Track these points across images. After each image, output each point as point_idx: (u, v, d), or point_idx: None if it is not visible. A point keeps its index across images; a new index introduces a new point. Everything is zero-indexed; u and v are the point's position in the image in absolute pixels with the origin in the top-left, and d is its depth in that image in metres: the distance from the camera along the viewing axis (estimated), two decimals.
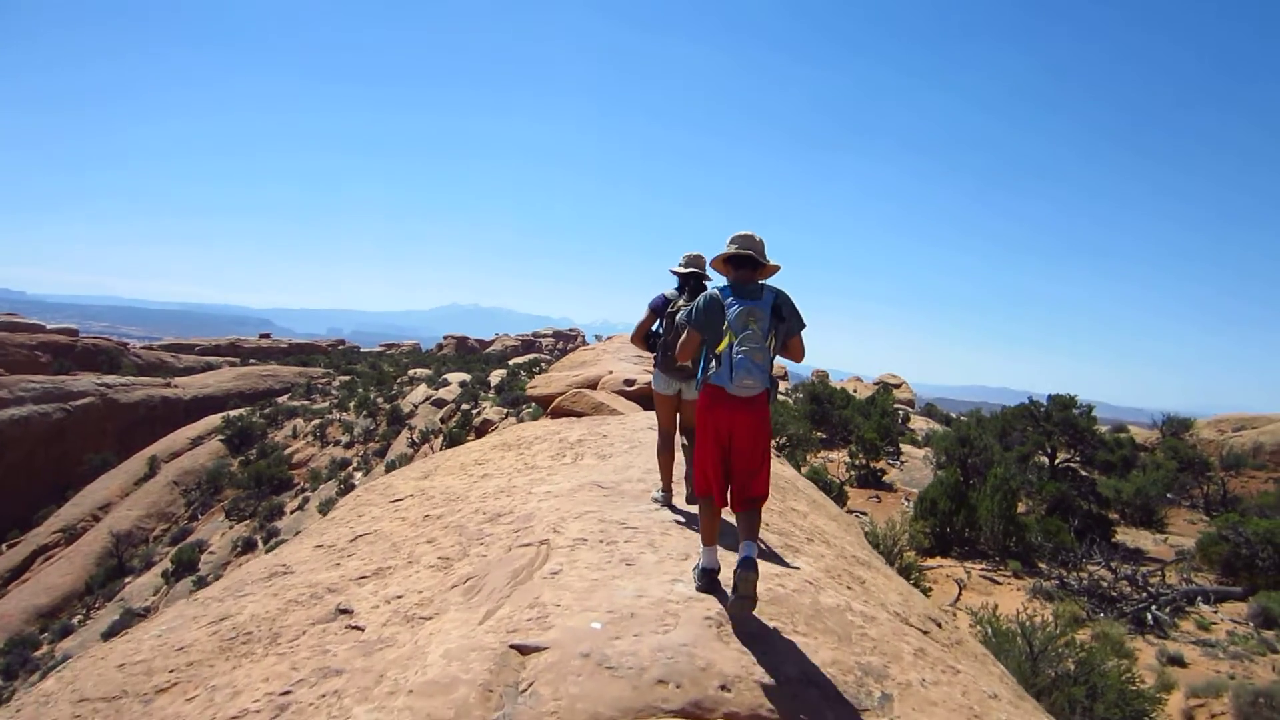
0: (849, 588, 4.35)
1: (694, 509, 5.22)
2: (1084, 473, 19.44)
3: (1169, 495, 20.79)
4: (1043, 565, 14.99)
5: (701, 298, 4.03)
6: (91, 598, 33.39)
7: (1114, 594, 12.78)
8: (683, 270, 5.55)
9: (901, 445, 27.84)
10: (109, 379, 52.94)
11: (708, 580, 3.88)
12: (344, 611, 3.95)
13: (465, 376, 53.07)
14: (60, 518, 40.61)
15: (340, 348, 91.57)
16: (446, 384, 50.79)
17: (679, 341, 4.28)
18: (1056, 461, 19.86)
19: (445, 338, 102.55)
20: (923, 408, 50.69)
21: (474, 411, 41.34)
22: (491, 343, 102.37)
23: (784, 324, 3.96)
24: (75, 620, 31.86)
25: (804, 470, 20.17)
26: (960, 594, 12.89)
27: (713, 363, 3.87)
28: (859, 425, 28.61)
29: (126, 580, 34.16)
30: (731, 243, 4.09)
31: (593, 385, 11.36)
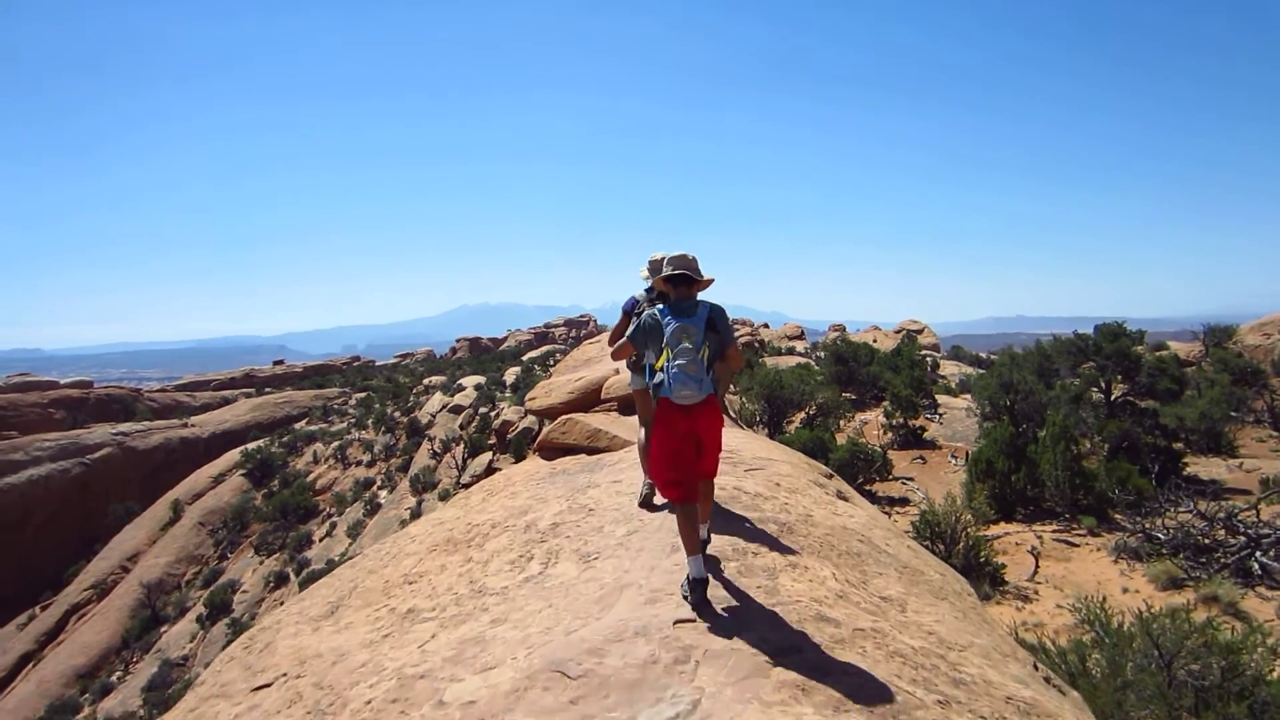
0: None
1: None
2: (1142, 405, 17.87)
3: (1233, 414, 19.27)
4: (1119, 517, 13.58)
5: (644, 317, 4.44)
6: (129, 652, 32.80)
7: (1207, 541, 11.38)
8: (647, 275, 5.89)
9: (936, 395, 26.47)
10: (124, 427, 52.35)
11: (699, 592, 3.95)
12: None
13: (480, 379, 52.02)
14: (90, 573, 40.08)
15: (355, 364, 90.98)
16: (461, 389, 49.77)
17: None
18: (1113, 397, 18.32)
19: (458, 340, 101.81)
20: (949, 351, 49.22)
21: (492, 414, 40.31)
22: (504, 340, 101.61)
23: (717, 335, 4.35)
24: (115, 677, 31.27)
25: (841, 441, 18.76)
26: (1037, 565, 11.53)
27: (659, 376, 4.28)
28: (889, 381, 27.24)
29: (163, 630, 33.51)
30: (668, 264, 4.50)
31: (597, 391, 10.06)
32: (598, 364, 13.56)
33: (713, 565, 4.42)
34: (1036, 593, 10.52)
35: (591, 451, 8.00)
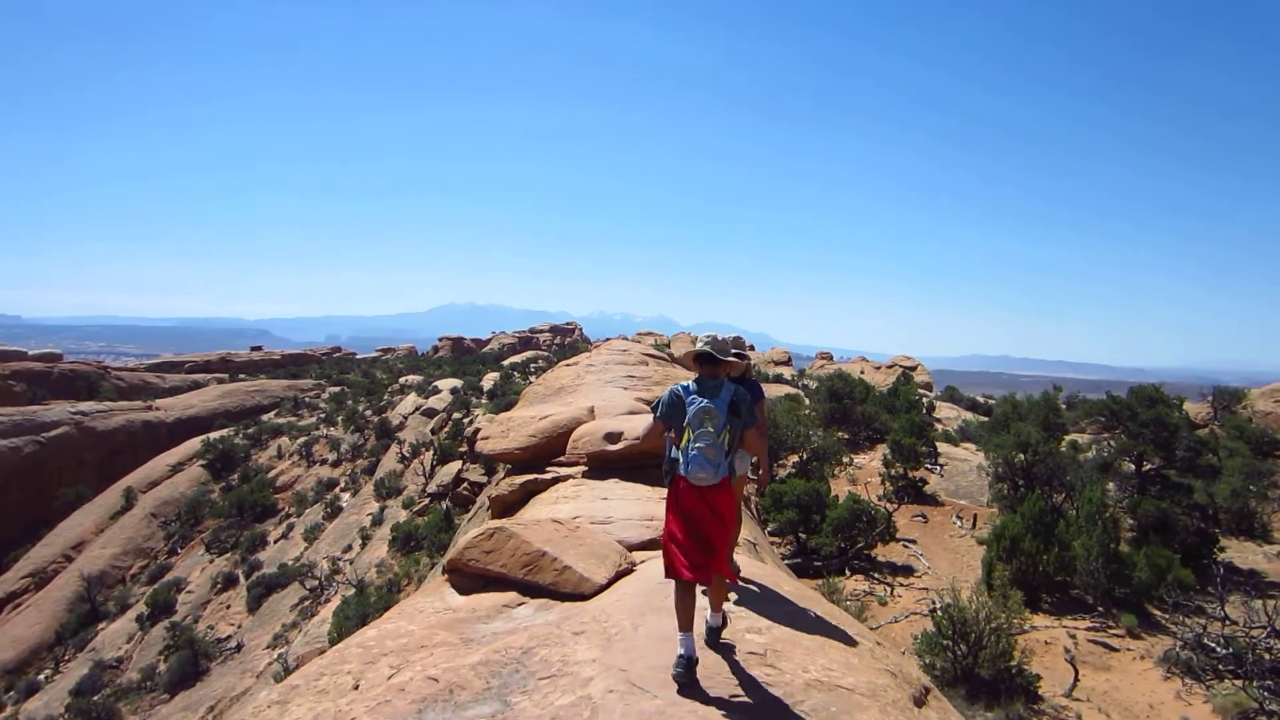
0: None
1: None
2: (1176, 479, 16.12)
3: (1266, 493, 17.71)
4: (1157, 612, 11.94)
5: (666, 393, 4.39)
6: (62, 648, 30.82)
7: (1270, 657, 9.71)
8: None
9: (936, 443, 24.88)
10: (84, 406, 50.20)
11: (687, 670, 3.81)
12: None
13: (457, 383, 50.21)
14: (30, 560, 38.00)
15: (334, 355, 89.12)
16: (437, 391, 47.97)
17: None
18: (1144, 469, 16.62)
19: (441, 339, 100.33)
20: (943, 391, 47.80)
21: (466, 421, 38.53)
22: (488, 341, 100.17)
23: (739, 420, 4.25)
24: (43, 676, 29.27)
25: (836, 489, 17.09)
26: (1077, 677, 9.81)
27: (677, 454, 4.20)
28: (886, 423, 25.69)
29: (100, 627, 31.51)
30: (700, 341, 4.49)
31: (564, 437, 8.17)
32: (571, 394, 11.57)
33: None
34: (1080, 717, 8.86)
35: (526, 589, 5.40)
